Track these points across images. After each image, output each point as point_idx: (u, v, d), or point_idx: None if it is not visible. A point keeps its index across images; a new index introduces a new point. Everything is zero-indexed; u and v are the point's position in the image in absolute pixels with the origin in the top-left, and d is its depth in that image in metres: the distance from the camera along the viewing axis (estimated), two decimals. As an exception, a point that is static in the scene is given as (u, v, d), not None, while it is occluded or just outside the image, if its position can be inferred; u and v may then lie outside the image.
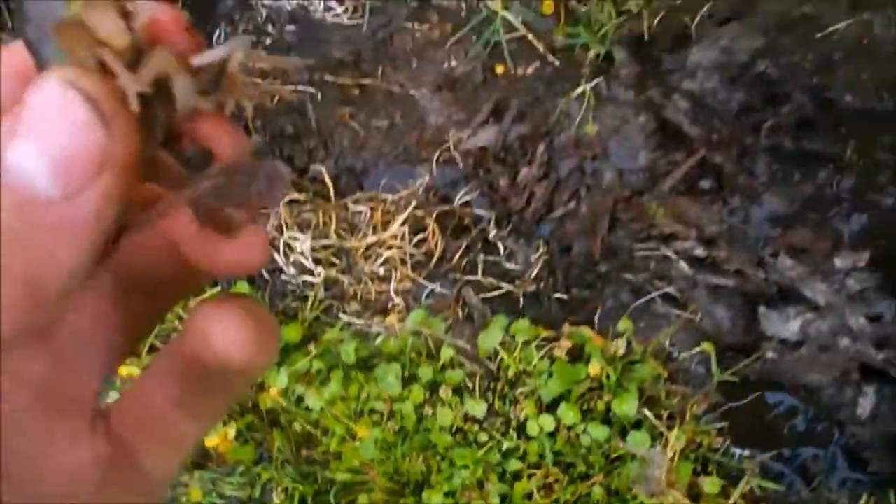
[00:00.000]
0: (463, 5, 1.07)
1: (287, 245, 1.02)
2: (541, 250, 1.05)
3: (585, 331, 0.93)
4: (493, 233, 1.06)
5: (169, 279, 0.20)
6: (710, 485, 0.88)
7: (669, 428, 0.89)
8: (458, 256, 1.05)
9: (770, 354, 0.99)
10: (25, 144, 0.15)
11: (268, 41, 1.10)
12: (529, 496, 0.92)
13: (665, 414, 0.91)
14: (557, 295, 1.03)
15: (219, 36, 1.10)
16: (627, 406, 0.88)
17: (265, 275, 1.03)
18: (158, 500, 0.21)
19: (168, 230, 0.19)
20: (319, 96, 1.10)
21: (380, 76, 1.09)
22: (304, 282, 1.03)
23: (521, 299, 1.03)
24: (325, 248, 1.05)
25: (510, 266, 1.05)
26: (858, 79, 1.00)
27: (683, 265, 1.03)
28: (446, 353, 0.95)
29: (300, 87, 1.10)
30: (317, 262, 1.03)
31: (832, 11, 0.98)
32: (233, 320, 0.19)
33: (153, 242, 0.20)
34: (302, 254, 1.02)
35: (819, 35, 1.00)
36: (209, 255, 0.19)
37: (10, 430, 0.16)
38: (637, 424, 0.92)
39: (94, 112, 0.15)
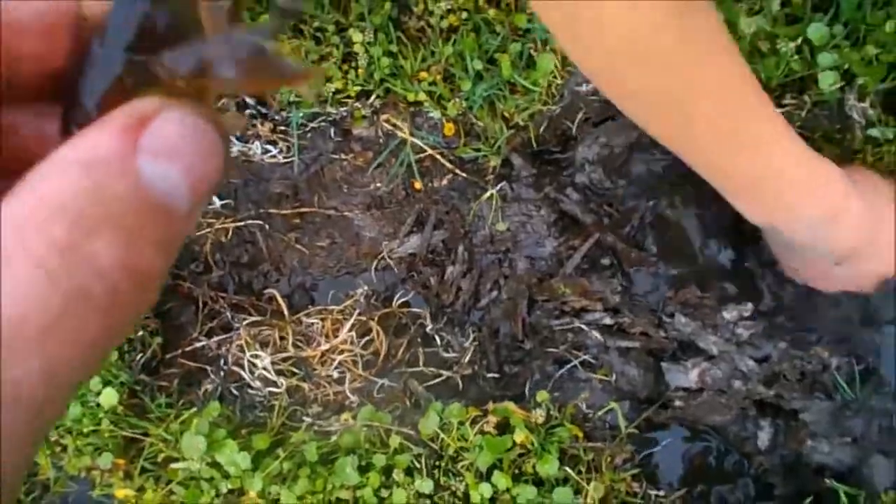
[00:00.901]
0: (380, 133, 1.25)
1: (251, 362, 1.18)
2: (472, 336, 1.20)
3: (509, 405, 1.08)
4: (429, 327, 1.22)
5: None
6: (629, 527, 1.02)
7: (588, 481, 1.03)
8: (401, 352, 1.21)
9: (677, 403, 1.14)
10: (171, 167, 0.17)
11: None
12: (482, 557, 1.06)
13: (583, 469, 1.05)
14: (491, 374, 1.19)
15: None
16: (549, 466, 1.03)
17: (234, 391, 1.19)
18: None
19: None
20: (267, 227, 1.27)
21: (316, 203, 1.26)
22: (270, 392, 1.18)
23: (460, 382, 1.18)
24: (285, 360, 1.21)
25: (447, 354, 1.20)
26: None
27: (595, 334, 1.19)
28: (395, 441, 1.10)
29: (249, 222, 1.27)
30: (279, 373, 1.19)
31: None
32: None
33: None
34: (265, 369, 1.18)
35: (678, 125, 1.17)
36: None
37: None
38: (565, 481, 1.06)
39: (217, 141, 0.18)
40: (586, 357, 1.18)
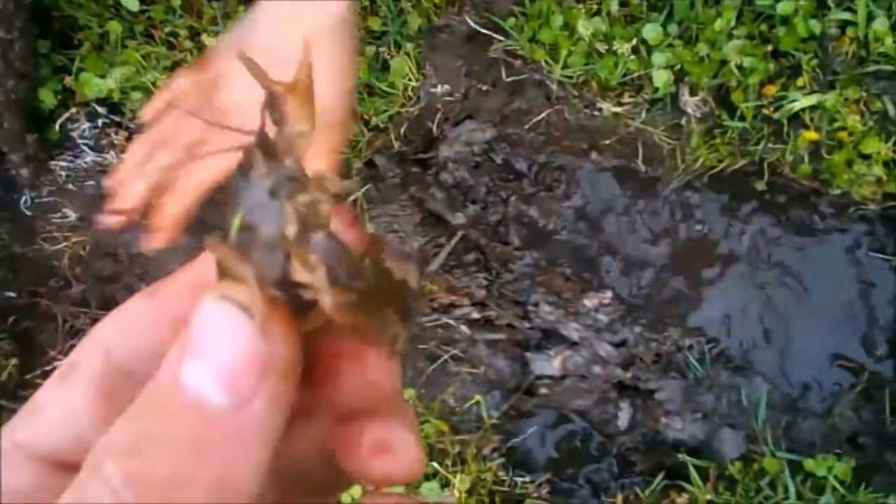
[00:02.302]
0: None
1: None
2: (343, 338, 1.21)
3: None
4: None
5: (323, 480, 0.20)
6: (495, 514, 1.05)
7: (455, 473, 1.06)
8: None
9: (542, 390, 1.18)
10: (192, 361, 0.15)
11: (71, 198, 1.23)
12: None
13: (450, 462, 1.08)
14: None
15: (24, 201, 1.23)
16: (417, 464, 1.05)
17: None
18: None
19: (322, 437, 0.19)
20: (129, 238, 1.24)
21: (179, 212, 1.23)
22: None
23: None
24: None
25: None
26: (568, 147, 1.22)
27: (464, 328, 1.22)
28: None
29: (108, 234, 1.23)
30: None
31: (536, 103, 1.19)
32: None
33: (306, 446, 0.20)
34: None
35: (533, 121, 1.21)
36: (360, 465, 0.18)
37: None
38: (434, 475, 1.08)
39: (248, 321, 0.16)
40: (455, 351, 1.21)
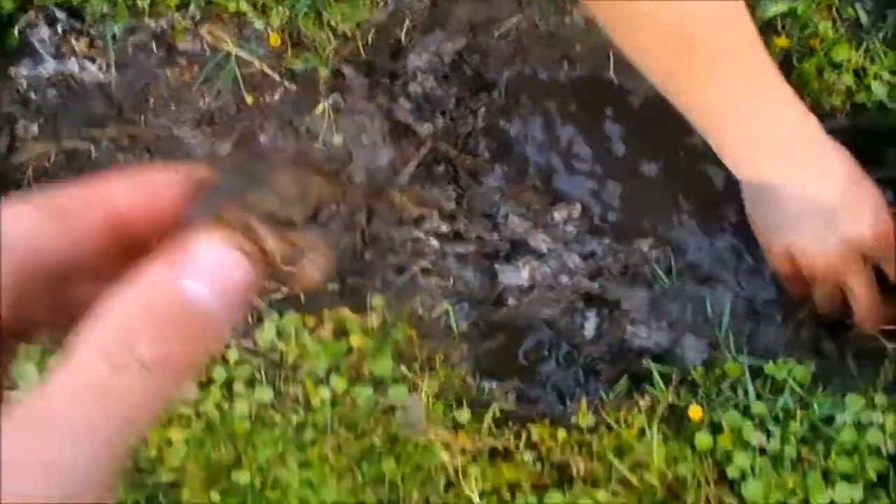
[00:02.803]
0: (204, 46, 1.20)
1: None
2: (312, 250, 1.21)
3: (344, 311, 1.10)
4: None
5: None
6: (461, 415, 1.07)
7: (423, 378, 1.08)
8: (240, 268, 1.20)
9: (510, 301, 1.19)
10: (203, 285, 0.22)
11: (33, 108, 1.21)
12: (325, 459, 1.09)
13: (418, 367, 1.09)
14: (332, 286, 1.20)
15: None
16: (383, 366, 1.06)
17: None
18: None
19: None
20: (92, 150, 1.22)
21: (143, 123, 1.22)
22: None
23: (301, 296, 1.19)
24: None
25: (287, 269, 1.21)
26: (539, 57, 1.20)
27: (433, 241, 1.22)
28: (233, 355, 1.11)
29: (73, 144, 1.21)
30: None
31: (506, 11, 1.17)
32: None
33: None
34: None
35: (503, 30, 1.19)
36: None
37: None
38: (403, 379, 1.10)
39: (246, 262, 0.23)
40: (425, 264, 1.21)
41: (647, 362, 1.13)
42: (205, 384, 1.11)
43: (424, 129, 1.22)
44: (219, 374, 1.10)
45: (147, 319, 0.21)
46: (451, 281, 1.20)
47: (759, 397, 1.07)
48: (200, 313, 0.22)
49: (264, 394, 1.09)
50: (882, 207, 0.99)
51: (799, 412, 1.05)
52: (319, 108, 1.20)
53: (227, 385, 1.11)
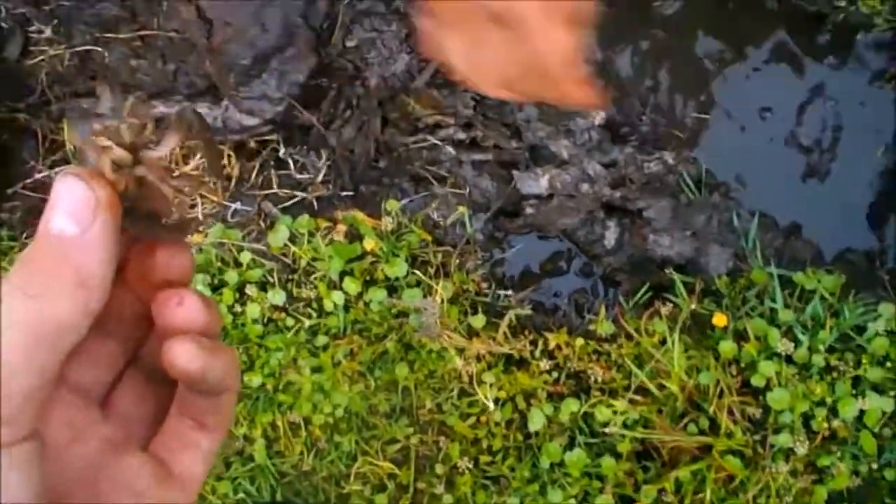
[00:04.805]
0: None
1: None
2: (325, 158, 1.18)
3: (357, 213, 1.08)
4: (282, 151, 1.19)
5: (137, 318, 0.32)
6: (476, 321, 1.04)
7: (438, 282, 1.05)
8: (254, 175, 1.18)
9: (528, 210, 1.16)
10: (56, 213, 0.26)
11: (46, 9, 1.19)
12: (338, 364, 1.07)
13: (433, 271, 1.06)
14: (346, 193, 1.17)
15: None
16: (398, 269, 1.04)
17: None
18: (191, 500, 0.32)
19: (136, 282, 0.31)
20: (106, 54, 1.20)
21: (157, 25, 1.19)
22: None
23: (315, 203, 1.17)
24: (133, 188, 1.17)
25: (301, 176, 1.18)
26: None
27: (449, 149, 1.18)
28: (245, 257, 1.09)
29: (86, 48, 1.19)
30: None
31: None
32: (179, 340, 0.28)
33: (133, 298, 0.31)
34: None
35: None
36: (162, 312, 0.30)
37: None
38: (417, 284, 1.07)
39: (83, 183, 0.27)
40: (440, 172, 1.18)
41: (670, 271, 1.09)
42: (217, 287, 1.09)
43: (443, 33, 1.18)
44: (231, 276, 1.09)
45: (29, 255, 0.27)
46: (468, 189, 1.17)
47: (786, 306, 1.03)
48: (62, 238, 0.26)
49: (277, 297, 1.07)
50: None
51: (829, 320, 1.01)
52: (335, 8, 1.17)
53: (240, 288, 1.09)
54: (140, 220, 0.29)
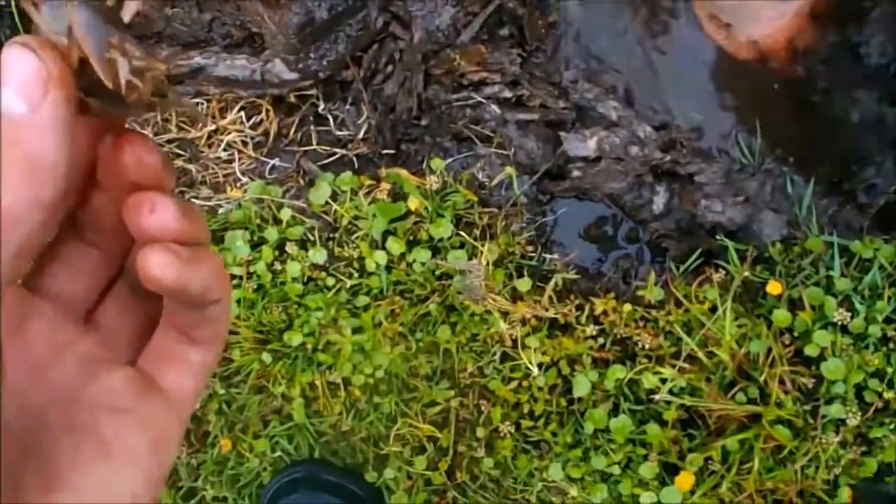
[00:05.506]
0: None
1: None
2: (366, 114, 1.15)
3: (402, 172, 1.05)
4: (321, 106, 1.16)
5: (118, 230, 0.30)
6: (521, 284, 1.02)
7: (483, 244, 1.02)
8: (293, 131, 1.15)
9: (575, 173, 1.12)
10: (3, 90, 0.23)
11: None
12: (378, 325, 1.05)
13: (478, 233, 1.04)
14: (387, 151, 1.14)
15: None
16: (443, 229, 1.01)
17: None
18: (182, 416, 0.30)
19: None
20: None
21: (193, -26, 1.15)
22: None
23: (355, 160, 1.14)
24: (169, 141, 1.14)
25: (341, 132, 1.15)
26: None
27: (494, 107, 1.15)
28: (286, 214, 1.06)
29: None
30: (162, 155, 1.12)
31: None
32: (152, 249, 0.26)
33: (105, 202, 0.29)
34: (146, 149, 1.10)
35: None
36: (134, 220, 0.27)
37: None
38: (461, 246, 1.05)
39: (33, 55, 0.23)
40: (485, 131, 1.14)
41: (721, 238, 1.07)
42: (256, 244, 1.07)
43: (490, -14, 1.14)
44: (270, 234, 1.06)
45: None
46: (513, 150, 1.13)
47: (842, 275, 1.00)
48: (9, 118, 0.23)
49: (318, 256, 1.04)
50: None
51: (887, 290, 0.98)
52: (378, -39, 1.12)
53: (280, 246, 1.07)
54: (95, 98, 0.26)
